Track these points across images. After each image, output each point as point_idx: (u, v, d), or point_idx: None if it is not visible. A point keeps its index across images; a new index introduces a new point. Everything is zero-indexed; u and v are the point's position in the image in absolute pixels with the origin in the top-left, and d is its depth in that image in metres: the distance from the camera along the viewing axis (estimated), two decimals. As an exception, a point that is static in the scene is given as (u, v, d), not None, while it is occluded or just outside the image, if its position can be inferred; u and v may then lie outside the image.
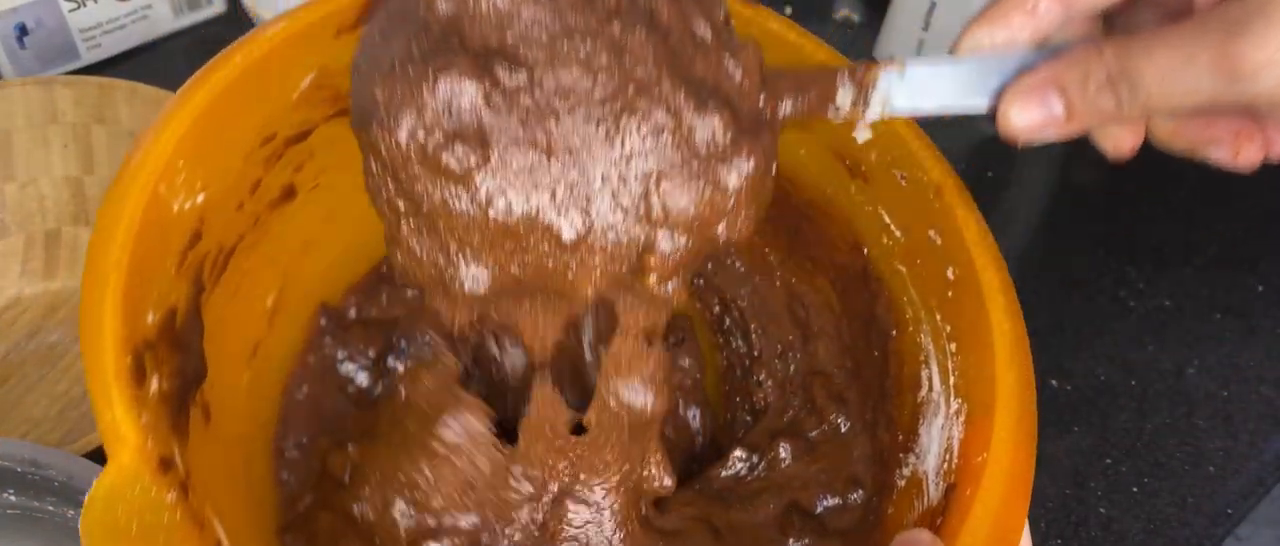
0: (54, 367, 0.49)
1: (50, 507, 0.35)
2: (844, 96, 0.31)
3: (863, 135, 0.34)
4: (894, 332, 0.39)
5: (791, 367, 0.45)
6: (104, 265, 0.29)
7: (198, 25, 0.67)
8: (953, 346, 0.35)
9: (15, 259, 0.52)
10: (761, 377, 0.45)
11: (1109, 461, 0.52)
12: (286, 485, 0.39)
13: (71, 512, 0.34)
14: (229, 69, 0.34)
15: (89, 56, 0.63)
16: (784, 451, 0.41)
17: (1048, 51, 0.29)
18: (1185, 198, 0.65)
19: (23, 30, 0.60)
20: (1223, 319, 0.59)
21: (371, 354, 0.43)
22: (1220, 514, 0.50)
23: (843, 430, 0.41)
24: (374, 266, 0.44)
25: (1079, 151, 0.70)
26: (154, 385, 0.29)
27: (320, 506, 0.38)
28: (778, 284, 0.45)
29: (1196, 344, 0.57)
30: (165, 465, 0.27)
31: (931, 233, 0.36)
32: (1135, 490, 0.51)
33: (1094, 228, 0.64)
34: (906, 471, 0.36)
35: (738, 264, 0.47)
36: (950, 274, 0.35)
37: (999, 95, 0.29)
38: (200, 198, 0.33)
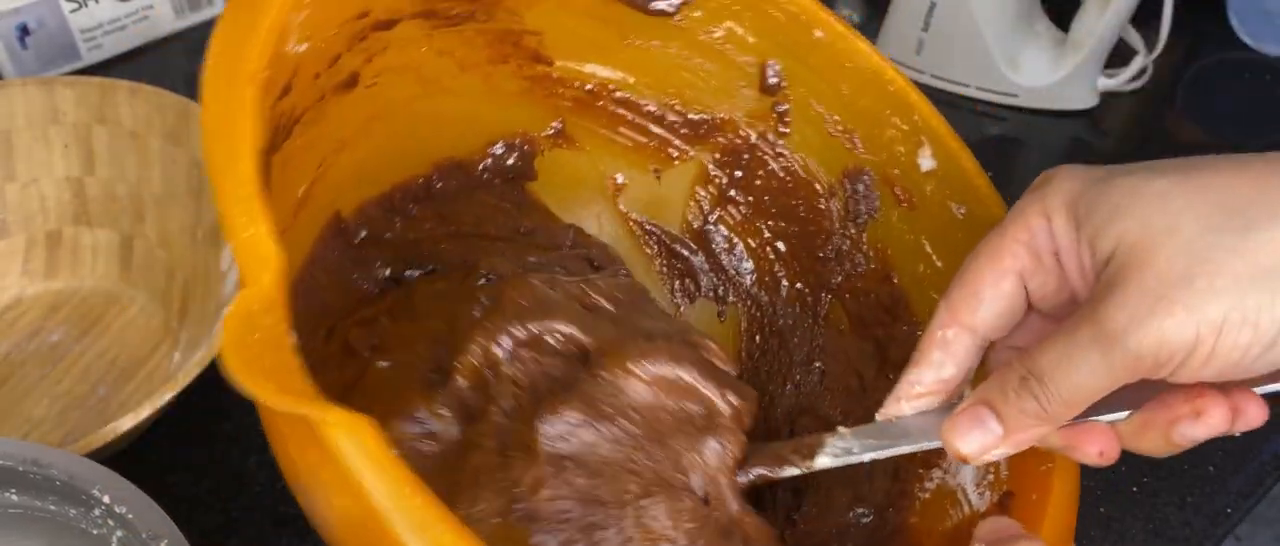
0: (55, 367, 0.50)
1: (51, 507, 0.35)
2: (791, 470, 0.37)
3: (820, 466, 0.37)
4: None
5: (788, 385, 0.45)
6: (241, 74, 0.27)
7: (199, 26, 0.67)
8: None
9: (16, 259, 0.52)
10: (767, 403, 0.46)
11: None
12: None
13: (73, 512, 0.34)
14: None
15: (90, 57, 0.63)
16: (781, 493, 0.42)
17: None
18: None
19: (24, 30, 0.60)
20: (1222, 319, 0.59)
21: (387, 272, 0.43)
22: (1220, 513, 0.50)
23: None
24: (392, 186, 0.44)
25: (1079, 150, 0.70)
26: None
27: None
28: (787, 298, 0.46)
29: (1196, 344, 0.57)
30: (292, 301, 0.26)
31: None
32: (1135, 489, 0.51)
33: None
34: (930, 485, 0.37)
35: (749, 277, 0.47)
36: None
37: (942, 432, 0.32)
38: (304, 46, 0.32)
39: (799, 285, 0.46)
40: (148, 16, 0.65)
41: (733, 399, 0.39)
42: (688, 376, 0.38)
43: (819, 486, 0.41)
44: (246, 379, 0.22)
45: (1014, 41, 0.70)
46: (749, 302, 0.47)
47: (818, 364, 0.44)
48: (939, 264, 0.39)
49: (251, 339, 0.23)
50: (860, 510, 0.39)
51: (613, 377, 0.37)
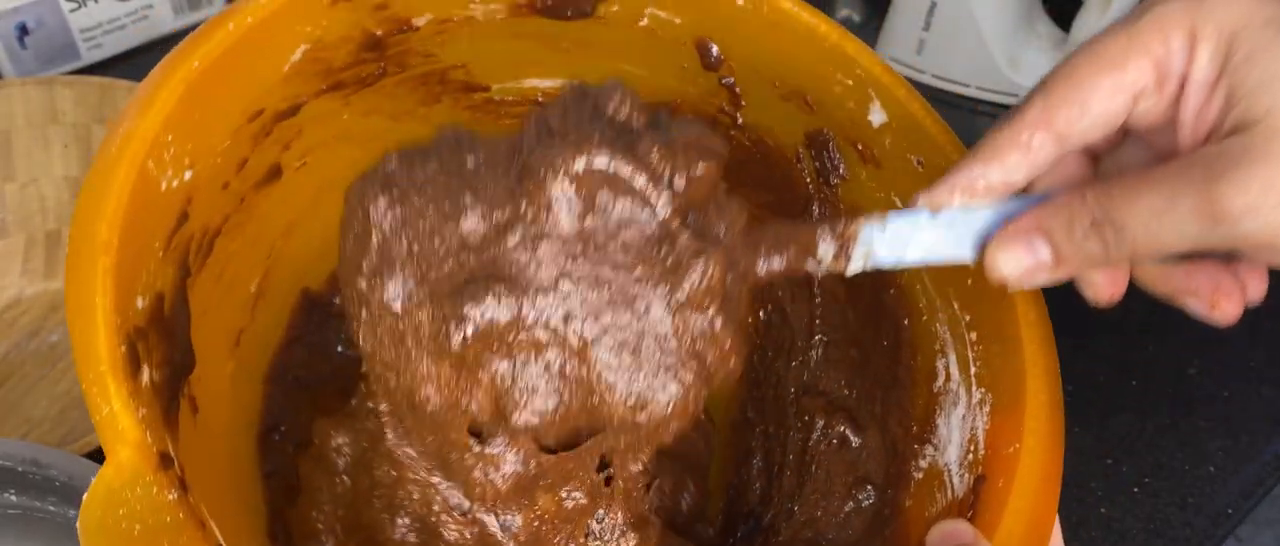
0: (54, 367, 0.49)
1: (51, 507, 0.35)
2: (825, 250, 0.32)
3: (852, 269, 0.33)
4: (906, 321, 0.38)
5: (794, 362, 0.44)
6: (92, 246, 0.27)
7: (198, 25, 0.67)
8: (973, 335, 0.35)
9: (16, 259, 0.52)
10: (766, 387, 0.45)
11: (1109, 461, 0.52)
12: (271, 479, 0.38)
13: (72, 512, 0.34)
14: (220, 38, 0.32)
15: (89, 56, 0.63)
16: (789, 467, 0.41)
17: (1028, 200, 0.30)
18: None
19: (23, 30, 0.60)
20: (1223, 319, 0.59)
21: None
22: (1221, 514, 0.50)
23: (851, 434, 0.41)
24: None
25: (1079, 151, 0.70)
26: (146, 376, 0.28)
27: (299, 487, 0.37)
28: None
29: (1197, 344, 0.57)
30: (165, 461, 0.26)
31: None
32: (1136, 490, 0.51)
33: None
34: (923, 463, 0.36)
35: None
36: None
37: (984, 244, 0.29)
38: (187, 175, 0.31)
39: None
40: (147, 16, 0.65)
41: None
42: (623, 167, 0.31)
43: (817, 470, 0.40)
44: None
45: (1015, 42, 0.70)
46: None
47: (819, 337, 0.44)
48: None
49: (116, 515, 0.24)
50: (863, 492, 0.39)
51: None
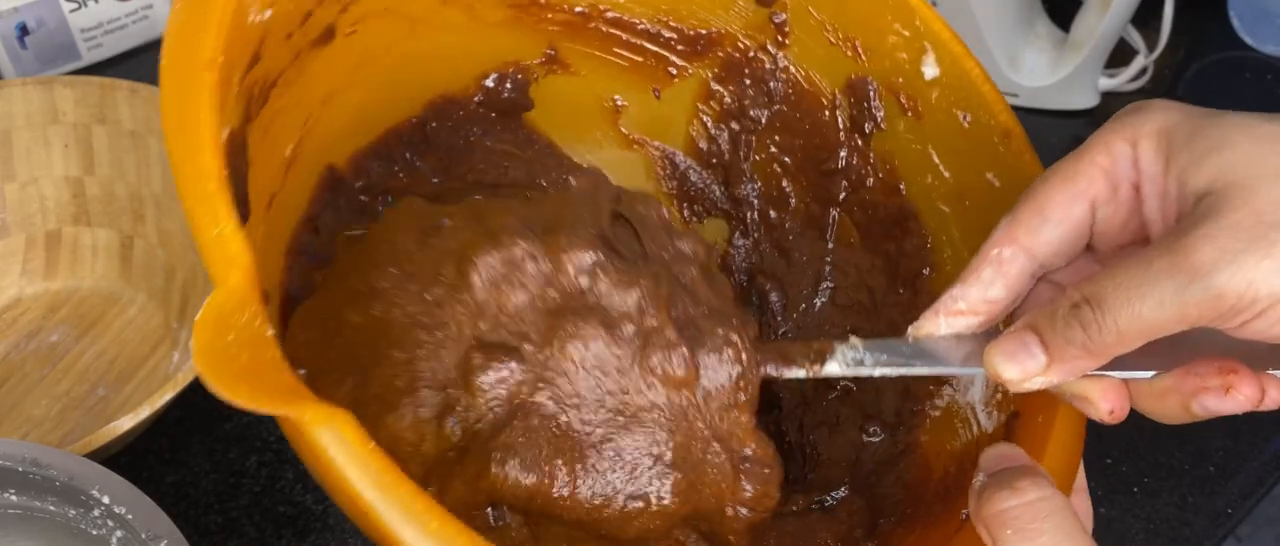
0: (54, 367, 0.49)
1: (51, 508, 0.35)
2: (796, 370, 0.35)
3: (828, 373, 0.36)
4: (927, 271, 0.38)
5: (802, 305, 0.44)
6: (197, 61, 0.26)
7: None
8: None
9: (16, 259, 0.52)
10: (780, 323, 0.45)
11: (1109, 461, 0.52)
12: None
13: (73, 512, 0.34)
14: None
15: (90, 56, 0.63)
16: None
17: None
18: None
19: (23, 30, 0.60)
20: (1223, 319, 0.59)
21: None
22: (1221, 514, 0.50)
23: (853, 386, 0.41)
24: (385, 132, 0.43)
25: (1079, 151, 0.70)
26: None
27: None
28: (796, 213, 0.45)
29: (1197, 344, 0.57)
30: (266, 298, 0.25)
31: (989, 175, 0.36)
32: (1136, 490, 0.51)
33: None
34: (940, 403, 0.36)
35: (754, 194, 0.46)
36: None
37: (985, 354, 0.31)
38: (268, 13, 0.31)
39: (807, 199, 0.45)
40: (147, 16, 0.65)
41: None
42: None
43: (825, 410, 0.41)
44: (220, 383, 0.22)
45: (1015, 41, 0.70)
46: (758, 219, 0.47)
47: (827, 284, 0.44)
48: (946, 175, 0.38)
49: (225, 341, 0.23)
50: (872, 429, 0.39)
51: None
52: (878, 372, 0.33)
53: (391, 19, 0.39)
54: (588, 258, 0.34)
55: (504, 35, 0.43)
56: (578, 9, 0.43)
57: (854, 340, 0.34)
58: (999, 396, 0.34)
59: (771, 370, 0.36)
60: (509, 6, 0.42)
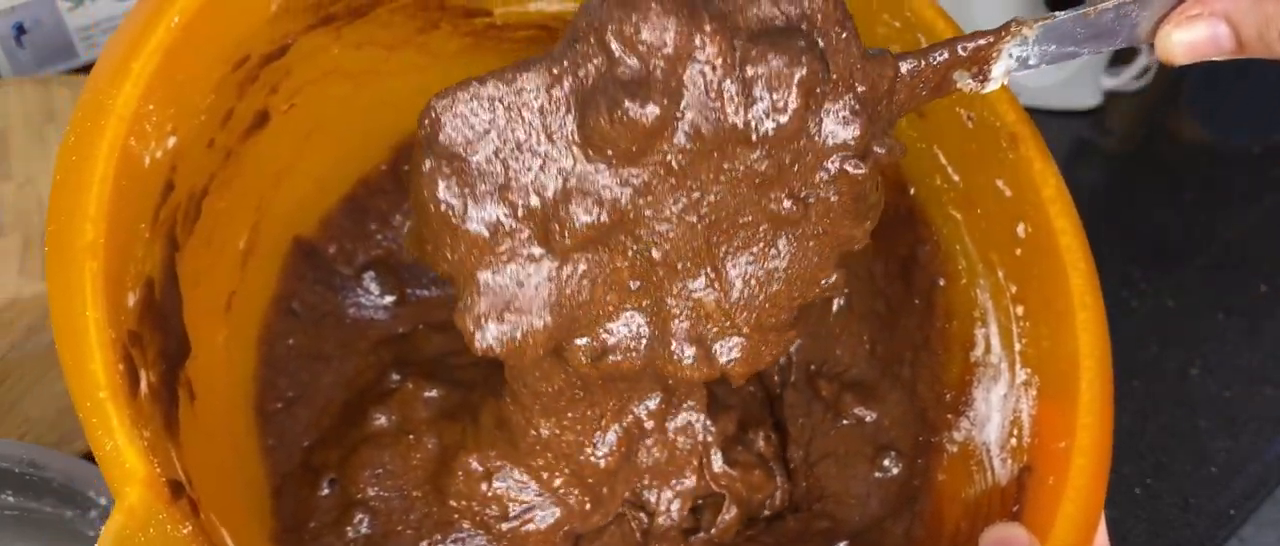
0: (52, 368, 0.49)
1: (49, 508, 0.35)
2: (964, 84, 0.31)
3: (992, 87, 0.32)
4: (941, 282, 0.37)
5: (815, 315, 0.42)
6: (76, 250, 0.24)
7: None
8: (1019, 310, 0.33)
9: (13, 259, 0.52)
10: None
11: (1111, 462, 0.52)
12: (273, 452, 0.37)
13: (70, 513, 0.34)
14: None
15: (87, 56, 0.63)
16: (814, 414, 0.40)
17: None
18: (1189, 198, 0.65)
19: (20, 30, 0.59)
20: (1226, 319, 0.59)
21: (375, 289, 0.41)
22: (1223, 515, 0.50)
23: (863, 411, 0.39)
24: (346, 194, 0.41)
25: (1082, 150, 0.70)
26: (144, 384, 0.25)
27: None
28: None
29: (1199, 345, 0.57)
30: (176, 490, 0.24)
31: (999, 182, 0.34)
32: (1138, 491, 0.51)
33: (1097, 227, 0.63)
34: (958, 436, 0.35)
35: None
36: (1021, 231, 0.33)
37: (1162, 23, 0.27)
38: (171, 142, 0.28)
39: None
40: (146, 15, 0.64)
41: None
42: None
43: (834, 438, 0.39)
44: None
45: (1016, 40, 0.70)
46: None
47: (839, 301, 0.43)
48: (955, 178, 0.36)
49: None
50: (885, 460, 0.37)
51: None
52: (1043, 66, 0.29)
53: (334, 80, 0.37)
54: None
55: (464, 63, 0.41)
56: (542, 23, 0.42)
57: (1023, 30, 0.30)
58: (1014, 440, 0.32)
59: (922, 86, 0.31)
60: (464, 36, 0.40)
